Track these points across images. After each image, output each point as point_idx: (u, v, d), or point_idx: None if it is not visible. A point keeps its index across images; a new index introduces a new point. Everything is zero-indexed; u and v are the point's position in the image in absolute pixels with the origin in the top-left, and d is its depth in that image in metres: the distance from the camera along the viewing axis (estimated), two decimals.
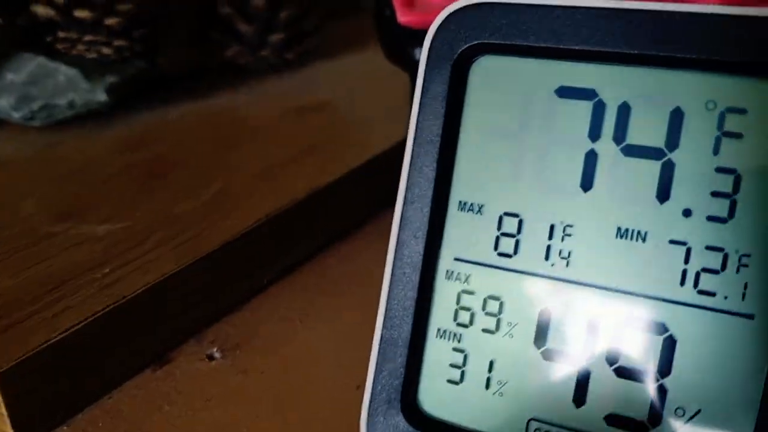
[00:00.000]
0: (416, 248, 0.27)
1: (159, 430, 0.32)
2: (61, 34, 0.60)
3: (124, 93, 0.60)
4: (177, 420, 0.33)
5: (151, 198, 0.45)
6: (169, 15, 0.65)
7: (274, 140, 0.54)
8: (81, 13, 0.58)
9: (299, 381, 0.34)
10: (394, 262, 0.27)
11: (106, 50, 0.60)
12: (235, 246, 0.40)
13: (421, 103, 0.27)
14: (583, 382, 0.25)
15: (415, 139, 0.27)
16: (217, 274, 0.39)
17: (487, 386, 0.27)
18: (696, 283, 0.24)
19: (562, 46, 0.25)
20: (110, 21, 0.59)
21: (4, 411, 0.30)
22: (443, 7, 0.27)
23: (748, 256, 0.23)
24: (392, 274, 0.27)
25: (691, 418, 0.24)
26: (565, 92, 0.26)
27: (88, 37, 0.59)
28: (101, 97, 0.58)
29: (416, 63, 0.27)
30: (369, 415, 0.27)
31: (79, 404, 0.34)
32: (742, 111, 0.23)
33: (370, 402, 0.27)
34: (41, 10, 0.59)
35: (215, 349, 0.37)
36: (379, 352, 0.27)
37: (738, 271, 0.23)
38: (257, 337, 0.38)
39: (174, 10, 0.66)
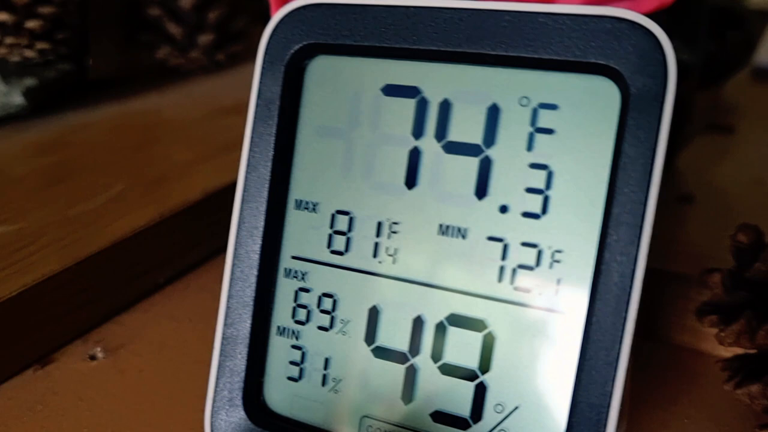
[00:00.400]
0: (253, 247, 0.27)
1: (27, 430, 0.32)
2: None
3: (45, 96, 0.60)
4: (45, 421, 0.33)
5: (50, 201, 0.44)
6: (96, 17, 0.65)
7: (189, 141, 0.54)
8: (1, 16, 0.58)
9: (176, 381, 0.34)
10: (233, 261, 0.27)
11: (28, 53, 0.60)
12: (124, 247, 0.40)
13: (256, 105, 0.27)
14: (410, 379, 0.26)
15: (251, 140, 0.27)
16: (104, 274, 0.39)
17: (324, 383, 0.27)
18: (513, 280, 0.24)
19: (386, 45, 0.25)
20: (31, 24, 0.59)
21: None
22: None
23: (561, 252, 0.23)
24: (231, 273, 0.27)
25: (510, 414, 0.24)
26: (390, 90, 0.26)
27: (9, 40, 0.59)
28: (17, 99, 0.58)
29: None
30: (212, 413, 0.28)
31: None
32: (554, 107, 0.24)
33: (213, 400, 0.28)
34: None
35: (99, 349, 0.37)
36: (220, 350, 0.28)
37: (551, 266, 0.24)
38: (143, 337, 0.38)
39: (101, 13, 0.66)
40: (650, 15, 0.23)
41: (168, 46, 0.69)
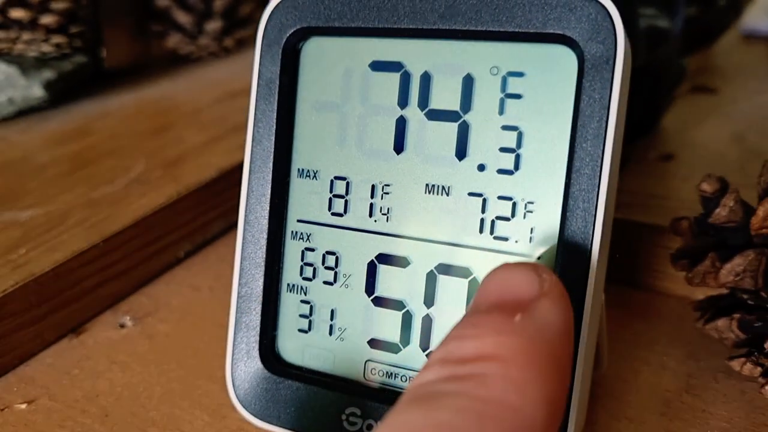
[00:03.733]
0: (262, 213, 0.30)
1: (65, 391, 0.35)
2: (0, 35, 0.63)
3: (63, 87, 0.64)
4: (82, 383, 0.36)
5: (75, 185, 0.48)
6: (108, 10, 0.68)
7: (202, 124, 0.57)
8: (17, 13, 0.61)
9: (200, 343, 0.38)
10: (244, 226, 0.30)
11: (45, 47, 0.64)
12: (146, 224, 0.43)
13: (258, 85, 0.30)
14: (406, 324, 0.29)
15: (254, 116, 0.30)
16: (129, 250, 0.42)
17: (331, 333, 0.30)
18: (492, 230, 0.27)
19: (371, 26, 0.28)
20: (46, 19, 0.62)
21: None
22: None
23: (533, 203, 0.26)
24: (243, 237, 0.31)
25: None
26: (377, 66, 0.29)
27: (26, 36, 0.63)
28: (38, 92, 0.61)
29: None
30: (232, 365, 0.31)
31: None
32: (520, 74, 0.27)
33: (233, 353, 0.31)
34: None
35: (127, 318, 0.41)
36: (237, 307, 0.31)
37: (525, 216, 0.27)
38: (167, 306, 0.41)
39: (112, 5, 0.69)
40: None
41: (178, 35, 0.72)
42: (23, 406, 0.34)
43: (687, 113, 0.51)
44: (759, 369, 0.30)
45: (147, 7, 0.71)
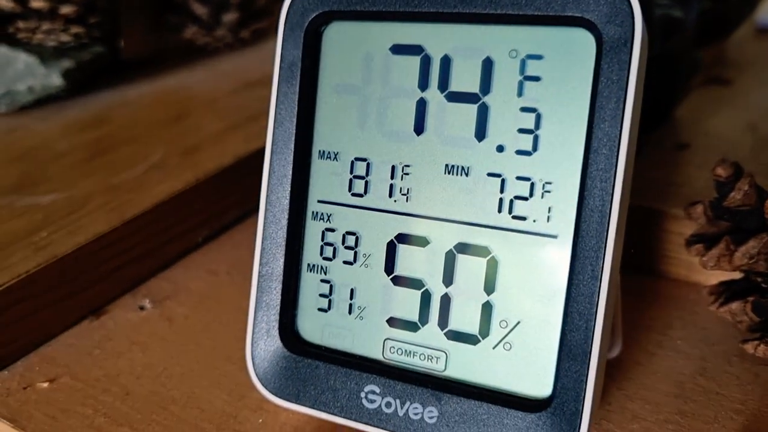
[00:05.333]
0: (283, 193, 0.31)
1: (87, 370, 0.36)
2: (21, 24, 0.63)
3: (82, 77, 0.64)
4: (103, 362, 0.37)
5: (95, 171, 0.48)
6: (126, 1, 0.69)
7: (219, 113, 0.58)
8: (37, 3, 0.62)
9: (218, 325, 0.38)
10: (265, 206, 0.31)
11: (64, 37, 0.64)
12: (165, 209, 0.44)
13: (280, 68, 0.31)
14: (425, 303, 0.29)
15: (276, 98, 0.31)
16: (148, 234, 0.43)
17: (350, 312, 0.31)
18: (510, 210, 0.28)
19: (392, 10, 0.29)
20: (65, 9, 0.63)
21: None
22: None
23: (551, 183, 0.27)
24: (264, 217, 0.31)
25: (513, 328, 0.28)
26: (397, 49, 0.29)
27: (46, 26, 0.63)
28: (57, 81, 0.62)
29: None
30: (252, 343, 0.31)
31: (17, 353, 0.37)
32: (539, 57, 0.27)
33: (253, 332, 0.31)
34: (1, 2, 0.63)
35: (147, 301, 0.41)
36: (257, 286, 0.31)
37: (543, 196, 0.27)
38: (186, 289, 0.42)
39: None
40: None
41: (195, 26, 0.72)
42: (45, 384, 0.35)
43: (702, 104, 0.52)
44: None
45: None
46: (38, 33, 0.63)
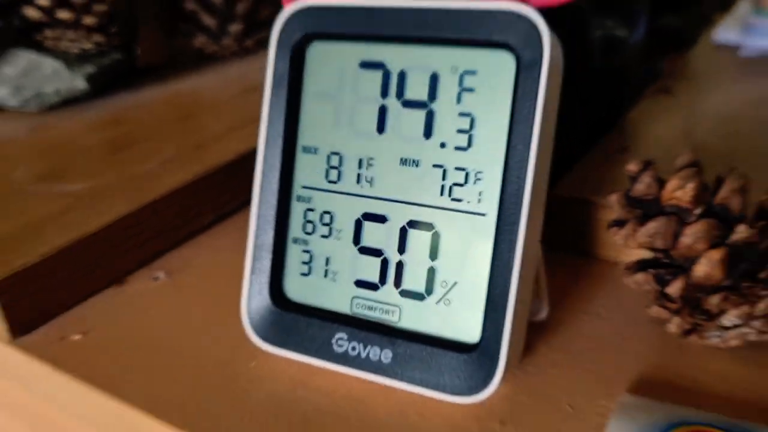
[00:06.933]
0: (273, 180, 0.38)
1: (111, 327, 0.44)
2: (48, 33, 0.71)
3: (102, 81, 0.72)
4: (125, 320, 0.44)
5: (116, 164, 0.56)
6: (142, 12, 0.77)
7: (224, 114, 0.65)
8: (63, 14, 0.70)
9: (222, 293, 0.46)
10: (259, 190, 0.39)
11: (86, 45, 0.72)
12: (177, 195, 0.51)
13: (272, 78, 0.38)
14: (384, 268, 0.37)
15: (269, 103, 0.38)
16: (162, 217, 0.51)
17: (326, 276, 0.38)
18: (450, 194, 0.35)
19: (360, 33, 0.36)
20: (88, 20, 0.71)
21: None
22: None
23: (481, 172, 0.35)
24: (258, 199, 0.39)
25: (451, 288, 0.35)
26: (364, 65, 0.37)
27: (70, 35, 0.71)
28: (81, 85, 0.69)
29: None
30: (247, 302, 0.39)
31: (54, 312, 0.45)
32: (473, 72, 0.35)
33: (248, 293, 0.39)
34: (31, 13, 0.71)
35: (161, 273, 0.49)
36: (252, 255, 0.39)
37: (475, 183, 0.35)
38: (195, 264, 0.50)
39: (145, 8, 0.77)
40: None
41: (203, 36, 0.80)
42: (78, 337, 0.42)
43: (648, 112, 0.59)
44: (667, 312, 0.38)
45: (176, 10, 0.79)
46: (64, 41, 0.71)
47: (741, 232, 0.35)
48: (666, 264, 0.38)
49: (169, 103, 0.70)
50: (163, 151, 0.57)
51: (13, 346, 0.42)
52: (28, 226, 0.48)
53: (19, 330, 0.43)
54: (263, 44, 0.82)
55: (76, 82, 0.69)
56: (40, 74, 0.69)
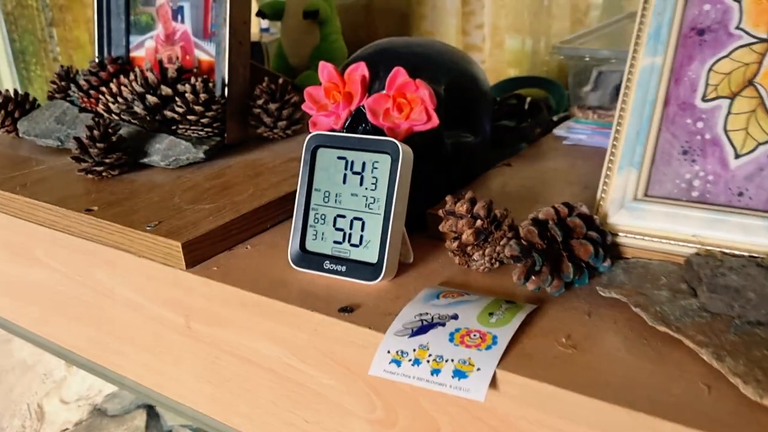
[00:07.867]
0: (302, 201, 0.94)
1: (236, 263, 1.04)
2: (181, 126, 1.31)
3: (211, 153, 1.10)
4: (243, 260, 1.04)
5: (224, 196, 1.09)
6: (230, 115, 1.37)
7: (277, 174, 1.09)
8: (190, 117, 1.29)
9: (277, 256, 1.04)
10: (296, 206, 0.96)
11: (202, 133, 1.21)
12: (255, 211, 1.05)
13: (302, 163, 0.97)
14: (344, 235, 0.94)
15: (301, 174, 0.97)
16: (249, 222, 1.08)
17: (322, 239, 0.95)
18: (368, 207, 0.92)
19: (339, 146, 0.96)
20: (204, 119, 1.24)
21: (182, 256, 1.01)
22: (326, 126, 0.98)
23: (380, 198, 0.95)
24: (296, 210, 0.95)
25: (368, 242, 0.93)
26: (339, 158, 0.96)
27: (194, 127, 1.25)
28: (201, 155, 1.12)
29: None
30: (290, 247, 0.97)
31: (203, 258, 1.05)
32: (377, 162, 0.96)
33: (290, 246, 0.97)
34: (170, 114, 1.29)
35: (248, 246, 1.06)
36: (292, 232, 0.96)
37: (376, 202, 0.94)
38: (263, 243, 1.04)
39: (232, 113, 1.37)
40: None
41: (264, 127, 1.17)
42: (215, 268, 1.02)
43: (492, 176, 1.18)
44: (457, 255, 0.98)
45: (248, 112, 1.21)
46: (189, 131, 1.30)
47: (478, 225, 0.96)
48: (457, 238, 0.98)
49: (247, 166, 1.11)
50: (247, 192, 1.14)
51: (187, 272, 0.97)
52: (189, 223, 1.02)
53: (189, 264, 0.98)
54: (298, 133, 1.34)
55: (199, 153, 1.15)
56: (178, 149, 1.16)
